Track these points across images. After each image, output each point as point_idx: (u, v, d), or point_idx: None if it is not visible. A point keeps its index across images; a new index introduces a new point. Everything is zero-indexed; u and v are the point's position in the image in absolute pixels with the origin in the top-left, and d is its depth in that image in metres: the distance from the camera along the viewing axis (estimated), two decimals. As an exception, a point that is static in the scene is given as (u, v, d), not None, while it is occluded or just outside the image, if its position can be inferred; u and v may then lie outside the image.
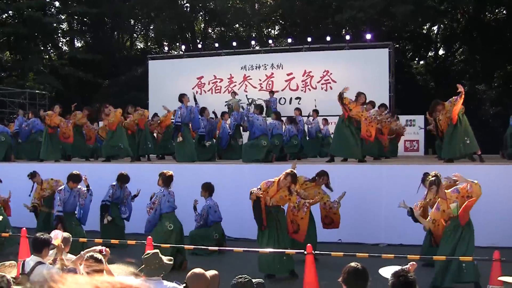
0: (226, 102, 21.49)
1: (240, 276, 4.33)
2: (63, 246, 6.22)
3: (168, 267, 5.08)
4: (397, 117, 16.95)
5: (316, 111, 17.85)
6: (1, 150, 15.82)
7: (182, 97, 13.94)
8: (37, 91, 27.48)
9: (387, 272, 4.75)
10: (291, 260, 8.93)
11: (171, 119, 16.19)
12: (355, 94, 12.54)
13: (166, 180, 9.68)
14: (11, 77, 32.16)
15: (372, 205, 11.78)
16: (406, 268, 4.68)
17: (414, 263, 5.16)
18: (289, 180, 8.80)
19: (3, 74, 32.71)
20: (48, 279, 0.84)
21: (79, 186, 10.46)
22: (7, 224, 11.32)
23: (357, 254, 7.75)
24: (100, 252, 5.46)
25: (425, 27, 32.35)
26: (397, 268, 4.70)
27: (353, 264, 4.51)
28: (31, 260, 5.94)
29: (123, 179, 11.81)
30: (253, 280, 4.28)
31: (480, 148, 12.27)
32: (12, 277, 6.41)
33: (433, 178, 8.01)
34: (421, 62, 33.72)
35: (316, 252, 8.17)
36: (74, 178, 10.35)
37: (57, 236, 6.26)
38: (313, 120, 17.51)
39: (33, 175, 12.30)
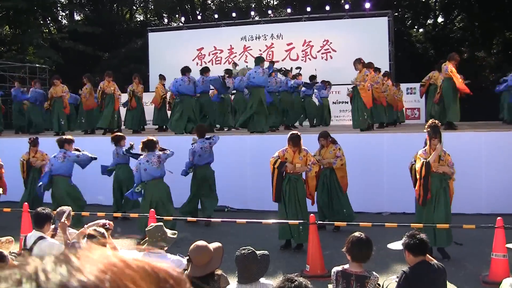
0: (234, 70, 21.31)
1: (243, 248, 4.25)
2: (67, 224, 6.08)
3: (171, 240, 5.05)
4: (399, 86, 17.15)
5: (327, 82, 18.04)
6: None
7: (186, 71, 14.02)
8: (37, 65, 27.38)
9: (395, 246, 4.92)
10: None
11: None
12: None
13: (144, 146, 9.64)
14: (11, 52, 31.95)
15: (375, 174, 11.85)
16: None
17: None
18: (291, 144, 8.84)
19: (3, 48, 32.53)
20: (74, 247, 0.86)
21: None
22: None
23: (360, 223, 7.90)
24: (103, 225, 5.37)
25: (425, -5, 32.16)
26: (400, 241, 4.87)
27: (356, 233, 4.62)
28: (33, 235, 5.88)
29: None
30: (257, 252, 4.22)
31: (482, 114, 12.39)
32: (13, 252, 6.44)
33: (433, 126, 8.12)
34: (420, 30, 33.51)
35: (319, 222, 8.26)
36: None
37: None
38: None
39: (35, 142, 12.32)
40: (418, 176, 8.07)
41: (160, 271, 0.83)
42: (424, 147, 8.28)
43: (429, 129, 8.09)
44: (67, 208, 6.32)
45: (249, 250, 4.21)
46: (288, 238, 9.00)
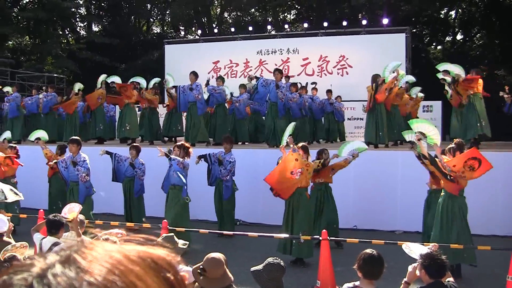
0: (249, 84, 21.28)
1: (273, 258, 4.30)
2: (78, 220, 6.23)
3: (182, 251, 5.02)
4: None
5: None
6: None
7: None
8: (55, 75, 27.81)
9: (412, 249, 4.79)
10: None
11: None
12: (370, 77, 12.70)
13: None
14: (30, 61, 32.46)
15: (388, 192, 11.75)
16: (431, 248, 4.73)
17: (436, 244, 5.17)
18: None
19: (23, 58, 33.05)
20: (76, 245, 0.84)
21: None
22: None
23: (372, 240, 7.77)
24: (117, 234, 5.45)
25: (443, 12, 31.97)
26: (421, 246, 4.74)
27: (368, 250, 4.53)
28: (48, 240, 5.99)
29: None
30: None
31: (500, 134, 12.25)
32: (28, 258, 6.51)
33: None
34: (439, 47, 33.34)
35: (331, 238, 8.20)
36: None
37: (72, 209, 6.29)
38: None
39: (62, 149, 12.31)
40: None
41: (159, 260, 0.86)
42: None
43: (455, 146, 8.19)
44: (82, 217, 6.50)
45: (276, 259, 4.26)
46: (285, 252, 9.00)
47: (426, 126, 8.37)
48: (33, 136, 12.59)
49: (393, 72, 13.20)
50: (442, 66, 13.28)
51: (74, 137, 11.05)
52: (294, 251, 8.98)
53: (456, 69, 12.70)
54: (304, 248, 8.90)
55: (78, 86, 16.46)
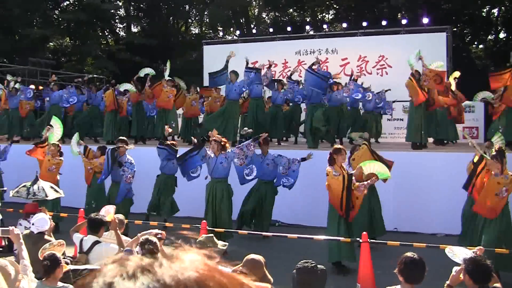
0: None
1: (306, 260, 4.25)
2: (117, 220, 6.34)
3: (221, 252, 5.05)
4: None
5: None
6: None
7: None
8: (94, 75, 28.22)
9: (456, 253, 4.69)
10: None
11: None
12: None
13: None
14: (71, 62, 33.12)
15: (429, 193, 11.57)
16: (476, 252, 4.63)
17: (481, 247, 5.06)
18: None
19: (63, 59, 33.72)
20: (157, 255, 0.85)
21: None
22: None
23: (414, 244, 7.66)
24: (156, 235, 5.51)
25: (485, 10, 31.35)
26: (465, 249, 4.64)
27: (409, 254, 4.48)
28: (89, 239, 6.10)
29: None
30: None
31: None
32: (69, 256, 6.70)
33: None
34: (480, 46, 32.72)
35: (371, 241, 8.11)
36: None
37: (108, 211, 6.40)
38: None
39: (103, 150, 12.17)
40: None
41: (230, 278, 0.86)
42: None
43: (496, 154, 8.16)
44: (122, 216, 6.61)
45: (311, 263, 4.18)
46: (338, 260, 8.79)
47: (373, 166, 8.36)
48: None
49: (419, 60, 13.04)
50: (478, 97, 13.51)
51: (122, 137, 11.18)
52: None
53: (490, 93, 12.80)
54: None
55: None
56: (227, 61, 14.41)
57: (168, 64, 15.91)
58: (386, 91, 16.96)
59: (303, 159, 11.06)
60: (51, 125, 12.42)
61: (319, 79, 13.48)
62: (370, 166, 8.58)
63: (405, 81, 13.02)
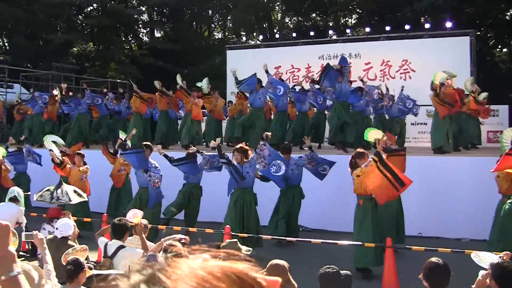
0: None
1: (328, 266, 4.22)
2: (143, 224, 6.39)
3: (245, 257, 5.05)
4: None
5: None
6: None
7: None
8: (118, 80, 28.55)
9: (483, 257, 4.69)
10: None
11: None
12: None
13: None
14: (94, 67, 33.47)
15: (454, 198, 11.51)
16: (502, 257, 4.62)
17: (508, 253, 5.00)
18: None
19: (87, 64, 34.14)
20: (159, 264, 0.84)
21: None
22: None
23: (439, 249, 7.65)
24: (180, 240, 5.52)
25: (508, 13, 31.08)
26: (491, 254, 4.63)
27: (434, 259, 4.47)
28: (113, 244, 6.11)
29: None
30: (341, 272, 4.15)
31: None
32: (92, 261, 6.75)
33: None
34: (504, 50, 32.40)
35: (396, 245, 8.09)
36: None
37: (136, 214, 6.46)
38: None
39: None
40: None
41: (243, 275, 0.87)
42: None
43: None
44: (145, 221, 6.65)
45: (334, 268, 4.16)
46: (366, 266, 8.68)
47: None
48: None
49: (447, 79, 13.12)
50: None
51: (146, 142, 11.29)
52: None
53: None
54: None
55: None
56: (266, 71, 14.55)
57: (179, 79, 16.18)
58: (401, 90, 16.88)
59: (309, 148, 11.17)
60: (121, 139, 12.17)
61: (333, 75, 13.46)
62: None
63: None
